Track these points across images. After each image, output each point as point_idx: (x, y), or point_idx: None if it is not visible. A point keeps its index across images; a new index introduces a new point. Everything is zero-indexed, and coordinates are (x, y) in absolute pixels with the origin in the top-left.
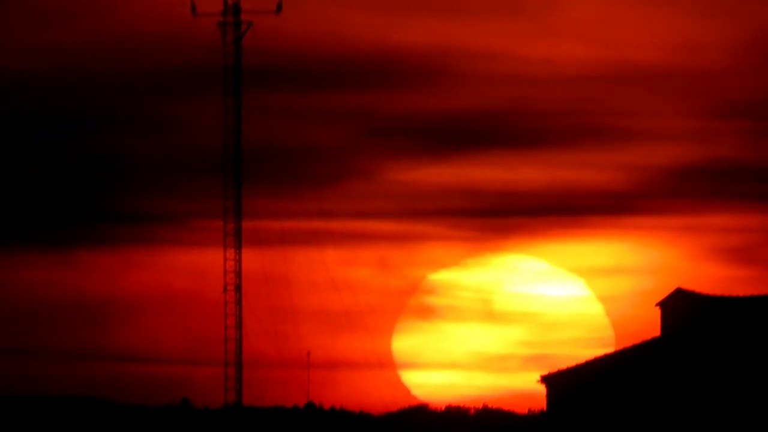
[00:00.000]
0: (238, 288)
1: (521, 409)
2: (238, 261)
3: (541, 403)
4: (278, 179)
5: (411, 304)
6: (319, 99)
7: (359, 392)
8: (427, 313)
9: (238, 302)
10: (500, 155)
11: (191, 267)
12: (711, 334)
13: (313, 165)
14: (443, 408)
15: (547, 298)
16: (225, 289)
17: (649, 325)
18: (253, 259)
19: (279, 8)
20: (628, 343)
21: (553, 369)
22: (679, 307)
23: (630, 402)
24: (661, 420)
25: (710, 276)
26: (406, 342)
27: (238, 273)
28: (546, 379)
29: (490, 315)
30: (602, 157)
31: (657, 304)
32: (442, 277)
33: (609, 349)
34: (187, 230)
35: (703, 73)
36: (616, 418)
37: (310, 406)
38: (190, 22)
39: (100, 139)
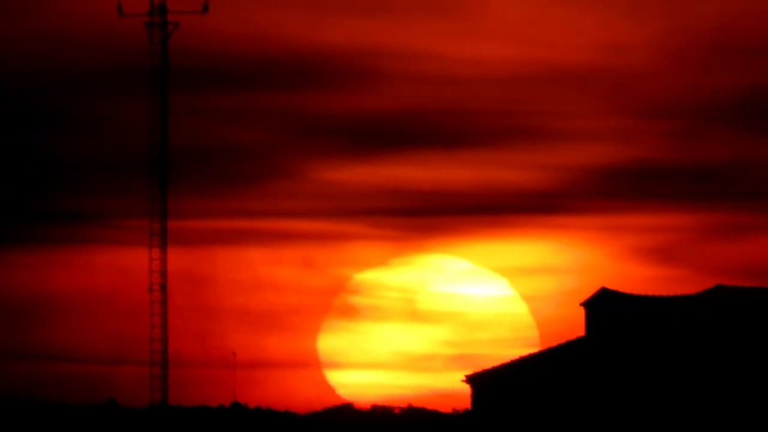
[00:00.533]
0: (164, 288)
1: (446, 408)
2: (164, 261)
3: (466, 403)
4: (205, 179)
5: (336, 303)
6: (245, 99)
7: (285, 392)
8: (352, 312)
9: (164, 302)
10: (425, 155)
11: (117, 266)
12: (635, 334)
13: (239, 165)
14: (368, 407)
15: (471, 297)
16: (151, 289)
17: (574, 325)
18: (178, 259)
19: (205, 8)
20: (552, 342)
21: (478, 369)
22: (604, 306)
23: (555, 401)
24: (585, 419)
25: (633, 275)
26: (331, 342)
27: (164, 273)
28: (471, 379)
29: (414, 315)
30: (526, 157)
31: (581, 304)
32: (367, 276)
33: (534, 349)
34: (113, 230)
35: (628, 74)
36: (541, 417)
37: (235, 405)
38: (116, 23)
39: (27, 138)
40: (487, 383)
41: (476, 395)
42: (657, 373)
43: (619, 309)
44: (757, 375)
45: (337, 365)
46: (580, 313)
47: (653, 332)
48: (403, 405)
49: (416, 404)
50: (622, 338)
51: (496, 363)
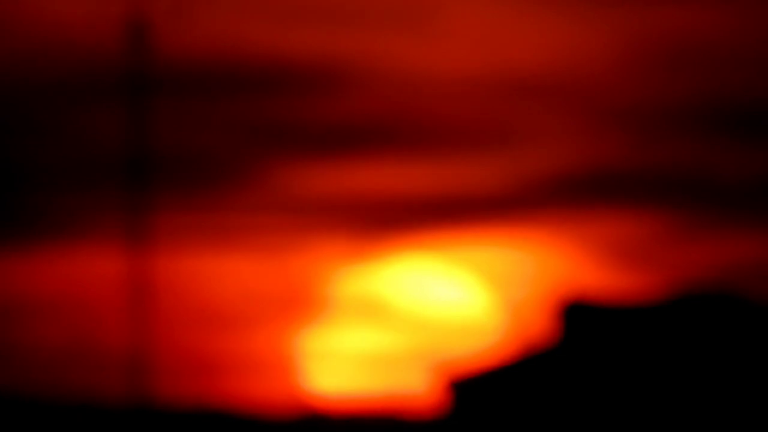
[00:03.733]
0: (145, 291)
1: (423, 414)
2: (144, 265)
3: (444, 409)
4: (181, 184)
5: (310, 308)
6: (219, 105)
7: (260, 396)
8: (325, 317)
9: (144, 306)
10: (387, 160)
11: (100, 270)
12: (612, 343)
13: (213, 170)
14: (344, 413)
15: (442, 302)
16: (132, 293)
17: (549, 332)
18: (156, 264)
19: (180, 15)
20: (528, 349)
21: (455, 374)
22: (581, 314)
23: (537, 407)
24: (565, 427)
25: (605, 281)
26: (306, 346)
27: (144, 276)
28: (450, 386)
29: (387, 320)
30: (493, 163)
31: (556, 311)
32: (340, 281)
33: (509, 356)
34: (92, 234)
35: (588, 81)
36: (524, 423)
37: (211, 409)
38: (91, 29)
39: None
40: (467, 390)
41: (456, 402)
42: (636, 380)
43: (596, 317)
44: (732, 381)
45: (311, 370)
46: (556, 320)
47: (630, 340)
48: (378, 411)
49: (391, 410)
50: (599, 346)
51: (474, 369)
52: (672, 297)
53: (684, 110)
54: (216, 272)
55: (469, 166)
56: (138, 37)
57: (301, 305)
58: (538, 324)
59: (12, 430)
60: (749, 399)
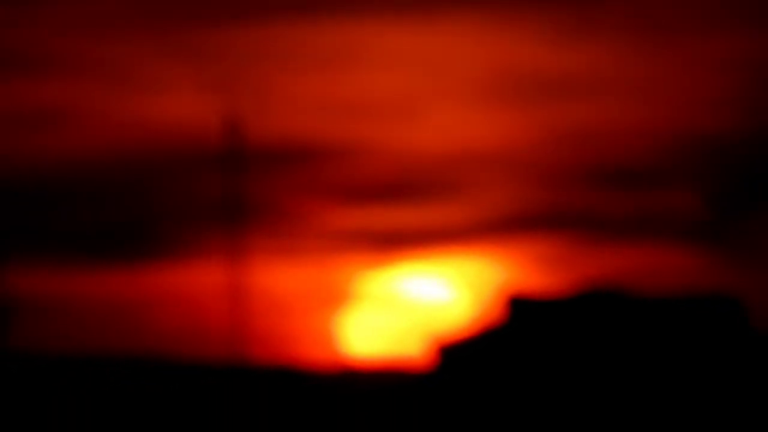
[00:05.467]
0: (239, 291)
1: (419, 369)
2: (238, 272)
3: (433, 367)
4: (257, 220)
5: (342, 296)
6: (279, 170)
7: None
8: (352, 303)
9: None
10: (394, 204)
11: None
12: (542, 324)
13: (275, 212)
14: (365, 369)
15: (431, 296)
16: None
17: (499, 316)
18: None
19: (260, 111)
20: (484, 328)
21: (441, 343)
22: (520, 305)
23: (491, 365)
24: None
25: (535, 281)
26: (340, 323)
27: (238, 281)
28: (438, 351)
29: (392, 305)
30: (459, 206)
31: (505, 302)
32: (360, 278)
33: (474, 331)
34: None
35: (520, 152)
36: (484, 375)
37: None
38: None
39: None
40: (449, 353)
41: (442, 362)
42: (556, 347)
43: (531, 306)
44: (640, 377)
45: (347, 340)
46: (505, 308)
47: (552, 322)
48: (390, 368)
49: (398, 368)
50: (534, 326)
51: (453, 339)
52: (577, 292)
53: (581, 169)
54: (283, 276)
55: (446, 208)
56: (233, 125)
57: (339, 297)
58: (492, 310)
59: (140, 384)
60: (633, 369)
